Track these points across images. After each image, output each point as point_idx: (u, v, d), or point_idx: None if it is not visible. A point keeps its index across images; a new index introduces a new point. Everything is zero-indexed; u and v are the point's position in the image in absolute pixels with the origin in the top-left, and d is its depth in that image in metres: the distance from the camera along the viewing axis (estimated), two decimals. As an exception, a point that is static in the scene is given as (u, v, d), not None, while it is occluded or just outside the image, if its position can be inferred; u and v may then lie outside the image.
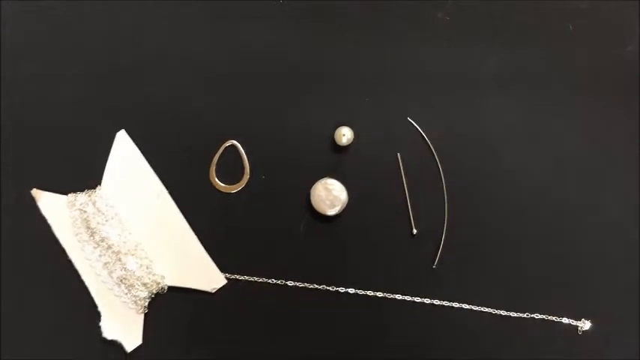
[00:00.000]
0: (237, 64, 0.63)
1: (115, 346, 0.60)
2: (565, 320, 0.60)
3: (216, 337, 0.61)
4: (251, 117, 0.62)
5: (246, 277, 0.61)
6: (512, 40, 0.63)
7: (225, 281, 0.61)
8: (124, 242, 0.60)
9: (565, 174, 0.62)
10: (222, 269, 0.61)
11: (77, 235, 0.60)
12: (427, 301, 0.61)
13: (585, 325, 0.60)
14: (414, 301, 0.61)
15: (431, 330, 0.61)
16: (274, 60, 0.63)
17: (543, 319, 0.60)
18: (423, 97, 0.63)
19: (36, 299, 0.61)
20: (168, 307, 0.60)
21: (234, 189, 0.62)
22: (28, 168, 0.62)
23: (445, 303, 0.60)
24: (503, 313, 0.60)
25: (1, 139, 0.62)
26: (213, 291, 0.60)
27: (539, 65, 0.63)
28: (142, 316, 0.60)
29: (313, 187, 0.61)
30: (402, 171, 0.62)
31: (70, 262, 0.60)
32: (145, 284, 0.59)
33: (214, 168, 0.62)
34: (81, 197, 0.61)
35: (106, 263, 0.60)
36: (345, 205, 0.61)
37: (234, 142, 0.63)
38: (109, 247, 0.60)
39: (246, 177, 0.62)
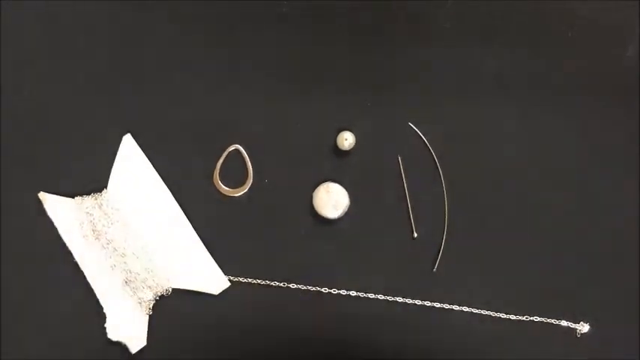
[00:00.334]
0: (240, 68, 0.64)
1: (120, 347, 0.61)
2: (564, 323, 0.61)
3: (220, 339, 0.61)
4: (255, 121, 0.63)
5: (249, 280, 0.62)
6: (513, 40, 0.64)
7: (228, 284, 0.61)
8: (130, 245, 0.61)
9: (565, 178, 0.63)
10: (226, 272, 0.62)
11: (84, 237, 0.61)
12: (428, 303, 0.61)
13: (584, 327, 0.61)
14: (415, 304, 0.61)
15: (431, 332, 0.61)
16: (276, 64, 0.64)
17: (542, 321, 0.61)
18: (425, 102, 0.64)
19: (41, 300, 0.61)
20: (172, 309, 0.61)
21: (238, 192, 0.63)
22: (34, 170, 0.63)
23: (445, 306, 0.61)
24: (502, 315, 0.61)
25: (1, 142, 0.63)
26: (217, 293, 0.61)
27: (539, 66, 0.63)
28: (147, 317, 0.61)
29: (315, 190, 0.62)
30: (403, 175, 0.63)
31: (75, 263, 0.61)
32: (149, 286, 0.60)
33: (218, 172, 0.63)
34: (87, 200, 0.62)
35: (112, 265, 0.61)
36: (346, 209, 0.62)
37: (238, 146, 0.63)
38: (115, 249, 0.61)
39: (250, 181, 0.63)
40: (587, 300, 0.61)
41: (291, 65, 0.64)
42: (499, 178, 0.63)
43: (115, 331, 0.60)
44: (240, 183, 0.63)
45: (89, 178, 0.63)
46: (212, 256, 0.62)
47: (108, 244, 0.61)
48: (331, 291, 0.62)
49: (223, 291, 0.61)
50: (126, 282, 0.60)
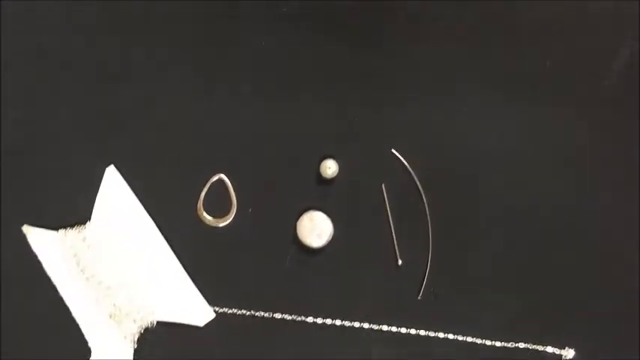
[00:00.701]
0: (221, 99, 0.64)
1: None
2: (549, 349, 0.61)
3: (206, 370, 0.62)
4: (238, 151, 0.63)
5: (235, 310, 0.62)
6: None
7: (213, 315, 0.61)
8: (114, 278, 0.61)
9: (551, 206, 0.63)
10: (211, 302, 0.62)
11: (68, 270, 0.61)
12: (413, 331, 0.61)
13: (569, 353, 0.61)
14: (401, 332, 0.61)
15: None
16: (256, 94, 0.64)
17: (528, 348, 0.61)
18: (407, 129, 0.64)
19: (26, 335, 0.61)
20: (158, 342, 0.61)
21: (222, 222, 0.63)
22: (18, 204, 0.63)
23: (431, 333, 0.61)
24: (488, 342, 0.61)
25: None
26: (203, 325, 0.61)
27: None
28: (132, 351, 0.61)
29: (299, 219, 0.62)
30: (387, 202, 0.63)
31: (60, 297, 0.61)
32: (134, 319, 0.60)
33: (202, 202, 0.63)
34: (71, 233, 0.62)
35: (96, 299, 0.61)
36: (330, 237, 0.62)
37: (222, 175, 0.63)
38: (99, 282, 0.61)
39: (234, 210, 0.63)
40: (573, 325, 0.61)
41: (273, 94, 0.64)
42: (484, 205, 0.63)
43: (100, 363, 0.61)
44: (224, 213, 0.63)
45: (73, 210, 0.63)
46: (197, 287, 0.62)
47: (92, 277, 0.61)
48: (316, 320, 0.62)
49: (209, 322, 0.61)
50: (110, 315, 0.60)
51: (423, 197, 0.63)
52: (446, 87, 0.64)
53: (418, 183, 0.63)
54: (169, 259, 0.62)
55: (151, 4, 0.65)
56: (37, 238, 0.62)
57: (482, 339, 0.61)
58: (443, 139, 0.64)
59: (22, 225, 0.62)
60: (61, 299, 0.61)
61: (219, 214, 0.63)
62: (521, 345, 0.61)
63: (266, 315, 0.62)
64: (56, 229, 0.62)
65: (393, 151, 0.63)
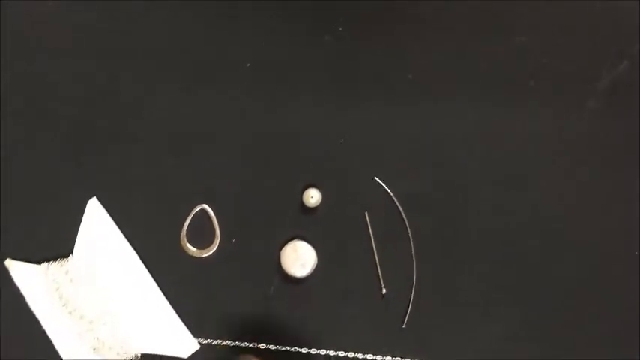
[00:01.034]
0: (202, 128, 0.64)
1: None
2: (535, 376, 0.61)
3: (191, 402, 0.61)
4: (220, 181, 0.63)
5: (219, 341, 0.61)
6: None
7: (198, 346, 0.61)
8: (97, 311, 0.61)
9: (536, 234, 0.63)
10: (195, 334, 0.61)
11: (50, 304, 0.61)
12: (398, 359, 0.61)
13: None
14: (386, 360, 0.61)
15: (403, 388, 0.61)
16: (241, 125, 0.64)
17: (513, 375, 0.61)
18: (389, 156, 0.64)
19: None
20: (141, 375, 0.61)
21: (205, 253, 0.63)
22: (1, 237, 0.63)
23: (416, 362, 0.61)
24: (473, 370, 0.61)
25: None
26: (187, 356, 0.61)
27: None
28: (116, 384, 0.60)
29: (283, 249, 0.62)
30: (370, 230, 0.63)
31: (43, 331, 0.61)
32: (117, 353, 0.60)
33: (185, 233, 0.63)
34: (54, 266, 0.61)
35: (79, 333, 0.60)
36: (314, 267, 0.62)
37: (205, 206, 0.63)
38: (82, 316, 0.60)
39: (217, 241, 0.63)
40: (558, 350, 0.61)
41: (254, 120, 0.64)
42: (467, 232, 0.63)
43: (85, 397, 0.60)
44: (208, 243, 0.63)
45: (55, 242, 0.62)
46: (180, 318, 0.61)
47: (75, 310, 0.60)
48: (301, 350, 0.61)
49: (193, 353, 0.61)
50: (94, 349, 0.60)
51: (407, 224, 0.63)
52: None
53: (401, 209, 0.63)
54: (153, 290, 0.61)
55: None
56: (20, 271, 0.61)
57: (467, 366, 0.61)
58: (424, 162, 0.64)
59: (4, 259, 0.62)
60: (44, 333, 0.61)
61: (202, 244, 0.63)
62: (507, 372, 0.61)
63: (250, 345, 0.61)
64: (39, 262, 0.62)
65: (376, 178, 0.63)
